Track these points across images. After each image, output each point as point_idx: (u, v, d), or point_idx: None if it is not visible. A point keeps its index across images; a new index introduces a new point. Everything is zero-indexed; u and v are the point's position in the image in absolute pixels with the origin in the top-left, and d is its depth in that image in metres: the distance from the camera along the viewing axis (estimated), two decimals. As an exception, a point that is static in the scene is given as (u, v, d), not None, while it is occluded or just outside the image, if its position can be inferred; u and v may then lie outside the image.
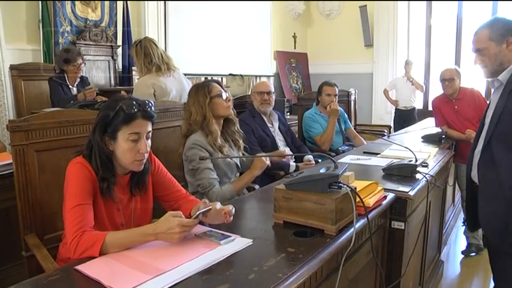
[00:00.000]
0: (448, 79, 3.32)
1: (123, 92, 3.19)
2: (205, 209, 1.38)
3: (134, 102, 1.41)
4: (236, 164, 2.31)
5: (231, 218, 1.41)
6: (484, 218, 1.84)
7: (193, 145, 2.12)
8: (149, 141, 1.48)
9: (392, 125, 6.20)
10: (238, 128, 2.35)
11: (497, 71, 1.81)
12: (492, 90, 1.89)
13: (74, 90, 3.55)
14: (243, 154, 2.37)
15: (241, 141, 2.34)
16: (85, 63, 3.72)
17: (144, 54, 2.86)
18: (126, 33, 4.53)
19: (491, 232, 1.82)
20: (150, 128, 1.47)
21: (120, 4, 4.55)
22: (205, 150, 2.11)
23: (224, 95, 2.20)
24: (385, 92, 6.26)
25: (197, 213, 1.35)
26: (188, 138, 2.16)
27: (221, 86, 2.26)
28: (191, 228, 1.31)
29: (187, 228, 1.29)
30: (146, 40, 2.94)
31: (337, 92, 3.62)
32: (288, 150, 3.14)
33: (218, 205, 1.43)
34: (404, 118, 5.96)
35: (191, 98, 2.23)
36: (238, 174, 2.34)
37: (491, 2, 6.07)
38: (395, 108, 6.22)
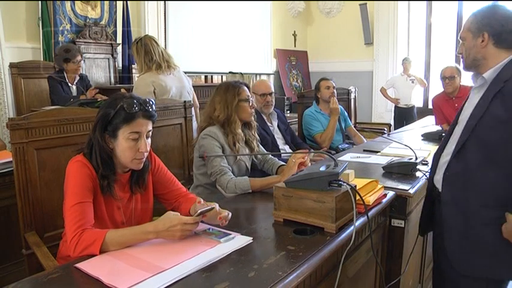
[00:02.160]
0: (449, 77, 3.32)
1: (123, 90, 3.19)
2: (206, 208, 1.38)
3: (135, 102, 1.40)
4: (246, 167, 2.28)
5: (226, 222, 1.41)
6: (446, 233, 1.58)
7: (207, 135, 2.09)
8: (149, 140, 1.48)
9: (392, 123, 6.20)
10: (256, 133, 2.32)
11: (471, 66, 1.59)
12: (473, 84, 1.63)
13: (74, 88, 3.54)
14: (255, 157, 2.33)
15: (255, 146, 2.30)
16: (84, 61, 3.72)
17: (144, 52, 2.85)
18: (126, 33, 4.52)
19: (451, 249, 1.56)
20: (150, 127, 1.47)
21: (120, 4, 4.54)
22: (219, 144, 2.09)
23: (251, 101, 2.20)
24: (383, 91, 6.25)
25: (199, 211, 1.35)
26: (204, 130, 2.14)
27: (249, 90, 2.27)
28: (193, 226, 1.31)
29: (188, 226, 1.29)
30: (147, 38, 2.94)
31: (334, 85, 3.62)
32: (287, 149, 3.14)
33: (217, 207, 1.43)
34: (405, 116, 5.96)
35: (219, 95, 2.21)
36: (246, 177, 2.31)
37: (492, 1, 6.04)
38: (395, 107, 6.21)
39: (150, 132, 1.48)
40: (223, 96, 2.19)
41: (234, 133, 2.13)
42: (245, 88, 2.23)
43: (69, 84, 3.50)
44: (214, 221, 1.41)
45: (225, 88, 2.23)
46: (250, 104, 2.21)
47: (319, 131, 3.52)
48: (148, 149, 1.48)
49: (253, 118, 2.27)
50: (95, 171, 1.41)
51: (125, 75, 4.54)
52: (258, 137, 2.35)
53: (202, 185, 2.18)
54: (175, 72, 2.97)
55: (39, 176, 1.75)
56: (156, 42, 2.93)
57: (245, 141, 2.26)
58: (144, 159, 1.48)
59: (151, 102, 1.45)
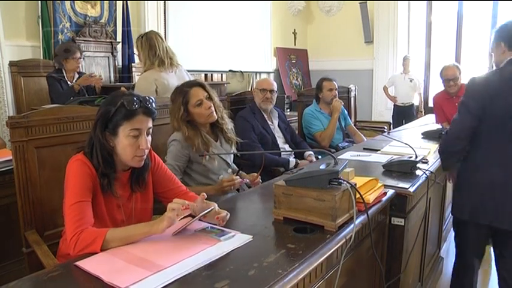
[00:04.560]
0: (453, 79, 3.31)
1: (123, 89, 3.19)
2: (207, 210, 1.39)
3: (135, 98, 1.41)
4: (227, 162, 2.30)
5: (224, 222, 1.41)
6: None
7: (174, 142, 2.12)
8: (150, 137, 1.48)
9: (391, 121, 6.20)
10: (230, 127, 2.30)
11: None
12: None
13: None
14: (237, 150, 2.36)
15: (234, 137, 2.30)
16: (84, 59, 3.71)
17: (149, 46, 2.84)
18: (126, 33, 4.51)
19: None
20: (150, 124, 1.47)
21: (119, 3, 4.53)
22: (184, 150, 2.10)
23: (205, 103, 2.11)
24: (385, 89, 6.27)
25: (201, 214, 1.36)
26: (173, 134, 2.16)
27: (204, 88, 2.17)
28: (178, 208, 1.28)
29: (175, 210, 1.27)
30: (152, 33, 2.94)
31: (337, 87, 3.62)
32: (287, 148, 3.14)
33: (216, 207, 1.44)
34: (403, 115, 5.97)
35: (171, 102, 2.19)
36: (230, 171, 2.32)
37: (492, 1, 6.04)
38: (394, 105, 6.22)
39: (151, 130, 1.48)
40: (172, 106, 2.17)
41: (190, 142, 2.09)
42: (194, 92, 2.13)
43: (69, 83, 3.49)
44: (212, 221, 1.41)
45: (173, 96, 2.17)
46: (206, 106, 2.12)
47: (319, 130, 3.52)
48: (149, 146, 1.48)
49: (215, 116, 2.17)
50: (95, 169, 1.42)
51: (124, 75, 4.53)
52: (232, 129, 2.31)
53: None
54: (178, 70, 2.96)
55: (39, 175, 1.75)
56: (161, 38, 2.92)
57: (219, 134, 2.25)
58: (145, 156, 1.48)
59: (151, 100, 1.46)
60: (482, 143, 1.87)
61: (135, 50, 3.41)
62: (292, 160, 2.99)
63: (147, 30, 4.70)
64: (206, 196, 1.48)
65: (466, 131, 1.87)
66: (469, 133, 1.87)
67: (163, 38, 2.96)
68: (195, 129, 2.13)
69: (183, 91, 2.15)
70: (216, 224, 1.40)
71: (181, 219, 1.37)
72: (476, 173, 1.91)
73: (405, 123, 4.99)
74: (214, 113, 2.17)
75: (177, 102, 2.14)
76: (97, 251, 1.22)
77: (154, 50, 2.84)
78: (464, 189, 1.97)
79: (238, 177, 2.09)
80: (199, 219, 1.40)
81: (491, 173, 1.84)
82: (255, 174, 2.22)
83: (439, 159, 2.16)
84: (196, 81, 2.30)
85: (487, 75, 1.90)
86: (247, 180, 2.18)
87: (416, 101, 6.22)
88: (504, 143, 1.81)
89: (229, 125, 2.30)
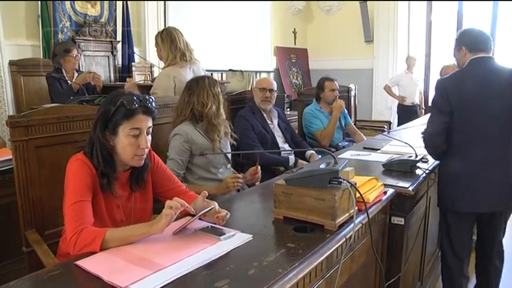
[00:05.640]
0: None
1: (128, 79, 3.20)
2: (207, 209, 1.39)
3: (135, 98, 1.41)
4: (227, 157, 2.35)
5: (223, 222, 1.41)
6: None
7: (176, 136, 2.20)
8: (150, 136, 1.48)
9: (396, 121, 6.15)
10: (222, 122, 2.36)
11: None
12: None
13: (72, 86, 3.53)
14: (236, 148, 2.42)
15: (229, 129, 2.38)
16: (84, 58, 3.71)
17: (170, 40, 2.84)
18: (126, 33, 4.50)
19: None
20: (150, 124, 1.47)
21: (119, 3, 4.52)
22: (190, 141, 2.18)
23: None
24: (387, 89, 6.18)
25: (200, 213, 1.37)
26: (176, 128, 2.23)
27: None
28: (176, 207, 1.29)
29: (173, 204, 1.29)
30: (171, 28, 2.95)
31: (338, 87, 3.62)
32: (286, 147, 3.14)
33: (216, 206, 1.44)
34: (410, 114, 5.87)
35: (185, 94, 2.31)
36: (229, 166, 2.37)
37: (492, 1, 6.03)
38: (400, 105, 6.15)
39: (151, 129, 1.48)
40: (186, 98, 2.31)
41: (217, 125, 2.24)
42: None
43: (68, 82, 3.49)
44: (212, 220, 1.41)
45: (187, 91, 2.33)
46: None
47: (319, 129, 3.52)
48: (149, 145, 1.48)
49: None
50: (95, 169, 1.42)
51: (124, 75, 4.53)
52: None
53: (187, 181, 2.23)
54: (195, 66, 2.96)
55: (39, 174, 1.75)
56: (180, 32, 2.93)
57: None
58: (145, 155, 1.48)
59: (151, 99, 1.46)
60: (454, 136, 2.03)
61: (151, 46, 3.41)
62: (292, 157, 3.00)
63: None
64: (207, 194, 1.48)
65: (440, 126, 2.03)
66: (444, 128, 2.02)
67: (182, 33, 2.97)
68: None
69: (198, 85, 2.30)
70: (216, 223, 1.40)
71: (182, 217, 1.37)
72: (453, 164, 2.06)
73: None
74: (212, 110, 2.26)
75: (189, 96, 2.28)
76: (96, 250, 1.22)
77: (175, 43, 2.84)
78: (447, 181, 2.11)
79: (242, 173, 2.24)
80: (199, 219, 1.41)
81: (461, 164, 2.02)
82: (253, 168, 2.26)
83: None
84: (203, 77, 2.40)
85: (450, 76, 2.12)
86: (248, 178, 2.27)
87: (417, 99, 6.20)
88: (473, 136, 1.99)
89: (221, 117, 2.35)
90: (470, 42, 2.07)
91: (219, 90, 2.31)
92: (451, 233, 2.11)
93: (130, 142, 1.42)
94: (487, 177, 1.97)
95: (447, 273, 2.18)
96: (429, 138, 2.11)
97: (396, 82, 6.17)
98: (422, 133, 2.25)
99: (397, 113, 6.25)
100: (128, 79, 3.36)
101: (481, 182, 1.97)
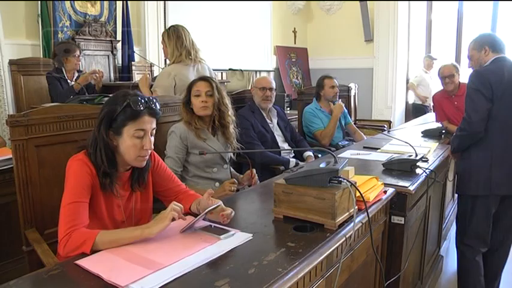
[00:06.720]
0: (448, 76, 3.31)
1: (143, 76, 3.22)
2: (213, 206, 1.39)
3: (141, 99, 1.40)
4: (223, 158, 2.33)
5: (228, 220, 1.41)
6: None
7: (172, 134, 2.23)
8: (153, 137, 1.48)
9: (404, 120, 6.11)
10: (230, 126, 2.34)
11: None
12: None
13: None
14: (234, 148, 2.40)
15: (233, 140, 2.36)
16: (84, 57, 3.70)
17: (176, 37, 2.86)
18: (126, 33, 4.49)
19: None
20: (154, 125, 1.47)
21: (119, 3, 4.52)
22: (183, 141, 2.20)
23: (202, 96, 2.22)
24: (412, 87, 6.09)
25: (206, 210, 1.37)
26: (173, 126, 2.27)
27: (210, 84, 2.27)
28: (178, 216, 1.30)
29: (178, 209, 1.30)
30: (179, 26, 2.96)
31: (337, 85, 3.62)
32: (286, 146, 3.14)
33: (221, 204, 1.44)
34: (421, 114, 5.84)
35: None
36: (226, 166, 2.36)
37: (492, 1, 6.03)
38: (415, 104, 6.06)
39: (154, 130, 1.48)
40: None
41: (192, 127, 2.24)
42: (202, 83, 2.28)
43: (68, 81, 3.49)
44: (216, 217, 1.41)
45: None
46: (201, 99, 2.23)
47: (319, 128, 3.52)
48: (152, 146, 1.48)
49: (206, 112, 2.25)
50: (96, 169, 1.41)
51: (124, 75, 4.52)
52: (234, 129, 2.39)
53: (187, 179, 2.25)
54: (200, 66, 2.96)
55: (39, 173, 1.75)
56: (187, 30, 2.95)
57: (216, 129, 2.33)
58: (148, 156, 1.48)
59: (155, 100, 1.46)
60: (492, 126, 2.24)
61: (156, 44, 3.39)
62: (293, 160, 2.99)
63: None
64: (213, 192, 1.48)
65: (486, 113, 2.21)
66: (488, 115, 2.22)
67: (189, 32, 2.96)
68: (191, 116, 2.26)
69: (193, 81, 2.34)
70: (219, 222, 1.40)
71: (186, 216, 1.37)
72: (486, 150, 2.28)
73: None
74: (209, 109, 2.24)
75: (187, 89, 2.32)
76: (87, 252, 1.21)
77: (181, 40, 2.86)
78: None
79: (241, 174, 2.32)
80: (203, 218, 1.41)
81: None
82: (248, 172, 2.29)
83: (456, 144, 2.39)
84: (207, 77, 2.41)
85: (488, 67, 2.32)
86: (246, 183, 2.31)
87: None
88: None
89: (230, 125, 2.34)
90: (494, 43, 2.37)
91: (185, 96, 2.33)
92: (473, 218, 2.32)
93: (135, 143, 1.41)
94: None
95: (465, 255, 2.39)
96: (477, 124, 2.24)
97: (419, 81, 6.13)
98: (461, 125, 2.34)
99: (412, 114, 6.17)
100: (142, 75, 3.38)
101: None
